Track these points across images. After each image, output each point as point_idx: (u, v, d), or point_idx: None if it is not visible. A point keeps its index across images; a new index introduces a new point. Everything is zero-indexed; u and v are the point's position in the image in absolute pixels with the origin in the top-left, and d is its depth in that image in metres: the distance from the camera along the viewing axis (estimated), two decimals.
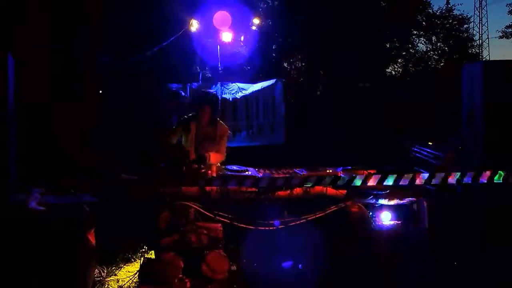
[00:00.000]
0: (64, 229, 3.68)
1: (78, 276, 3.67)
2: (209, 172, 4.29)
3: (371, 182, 4.02)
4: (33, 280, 3.56)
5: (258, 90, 9.70)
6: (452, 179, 3.98)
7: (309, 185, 4.11)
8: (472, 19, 21.69)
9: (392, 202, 4.36)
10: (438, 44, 18.45)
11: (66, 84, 8.26)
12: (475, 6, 28.37)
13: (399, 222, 4.38)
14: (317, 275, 4.15)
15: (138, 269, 4.08)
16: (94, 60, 8.61)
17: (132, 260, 4.74)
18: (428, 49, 18.43)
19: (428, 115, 11.13)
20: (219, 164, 4.68)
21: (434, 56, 18.48)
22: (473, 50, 20.00)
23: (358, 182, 4.02)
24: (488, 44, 29.00)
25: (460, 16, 18.58)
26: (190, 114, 4.90)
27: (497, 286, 3.98)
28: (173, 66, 9.95)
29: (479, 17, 27.44)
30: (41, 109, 7.67)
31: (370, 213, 4.35)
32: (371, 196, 4.36)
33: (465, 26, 19.00)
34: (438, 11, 18.30)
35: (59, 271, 3.60)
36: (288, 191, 4.22)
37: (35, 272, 3.56)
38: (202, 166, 4.32)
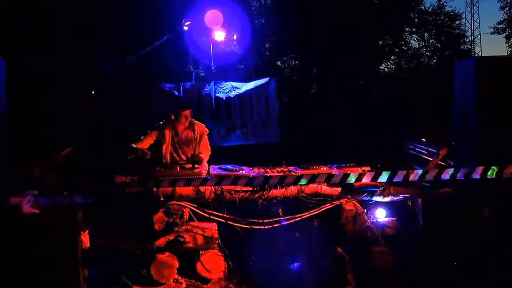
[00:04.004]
0: (58, 230, 3.66)
1: (72, 277, 3.66)
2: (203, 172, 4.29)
3: (365, 179, 4.03)
4: (27, 280, 3.55)
5: (252, 89, 9.67)
6: (445, 175, 4.00)
7: (304, 183, 4.12)
8: (463, 16, 21.81)
9: (387, 199, 4.38)
10: (431, 41, 18.53)
11: (58, 84, 8.23)
12: (466, 2, 28.50)
13: (394, 218, 4.40)
14: (312, 273, 4.16)
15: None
16: (87, 61, 8.58)
17: None
18: (421, 45, 18.50)
19: (421, 112, 11.17)
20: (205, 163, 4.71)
21: (426, 52, 18.56)
22: (465, 46, 20.12)
23: (352, 179, 4.03)
24: (480, 40, 29.15)
25: (452, 13, 18.67)
26: (164, 121, 4.77)
27: (495, 284, 4.00)
28: (166, 65, 9.90)
29: (471, 13, 27.56)
30: (34, 109, 7.64)
31: (365, 210, 4.36)
32: (366, 193, 4.37)
33: (457, 22, 19.10)
34: (430, 8, 18.37)
35: (53, 272, 3.59)
36: (283, 190, 4.22)
37: (29, 273, 3.55)
38: (196, 166, 4.31)
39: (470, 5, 27.72)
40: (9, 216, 3.62)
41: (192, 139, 4.76)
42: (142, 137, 4.67)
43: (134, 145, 4.55)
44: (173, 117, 4.71)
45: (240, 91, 9.64)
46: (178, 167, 4.25)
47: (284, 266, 4.33)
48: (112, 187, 4.07)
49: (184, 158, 4.67)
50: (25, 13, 8.36)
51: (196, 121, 4.86)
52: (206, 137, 4.86)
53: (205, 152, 4.79)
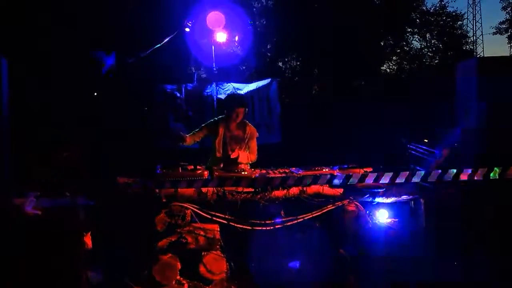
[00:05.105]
0: (60, 232, 3.67)
1: (75, 279, 3.66)
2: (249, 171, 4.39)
3: (368, 181, 4.03)
4: (30, 282, 3.55)
5: (253, 90, 9.67)
6: (448, 176, 4.00)
7: (306, 185, 4.11)
8: (465, 16, 21.76)
9: (389, 200, 4.37)
10: (432, 42, 18.53)
11: (60, 86, 8.25)
12: (468, 2, 28.48)
13: (396, 220, 4.39)
14: (314, 274, 4.15)
15: None
16: (88, 61, 8.59)
17: None
18: (423, 46, 18.50)
19: (423, 112, 11.15)
20: (248, 165, 4.85)
21: (428, 53, 18.55)
22: (467, 46, 20.08)
23: (354, 180, 4.03)
24: (482, 40, 29.10)
25: (453, 13, 18.67)
26: (220, 117, 5.01)
27: (497, 284, 3.99)
28: (168, 67, 9.93)
29: (473, 13, 27.50)
30: (36, 110, 7.65)
31: (367, 212, 4.36)
32: (368, 195, 4.36)
33: (459, 23, 19.09)
34: (432, 8, 18.37)
35: (56, 274, 3.59)
36: (285, 191, 4.21)
37: (31, 275, 3.55)
38: (198, 167, 4.31)
39: (472, 5, 27.68)
40: (11, 217, 3.62)
41: (242, 138, 4.92)
42: (194, 131, 4.97)
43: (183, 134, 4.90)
44: (226, 112, 4.93)
45: (242, 92, 9.63)
46: (180, 168, 4.25)
47: (286, 267, 4.32)
48: (114, 188, 4.07)
49: (229, 152, 4.85)
50: (26, 14, 8.39)
51: (249, 123, 5.05)
52: (255, 140, 5.02)
53: (249, 154, 4.93)
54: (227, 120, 4.93)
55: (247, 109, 5.00)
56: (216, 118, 5.05)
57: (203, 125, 5.04)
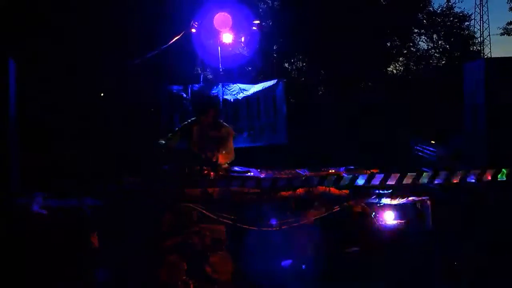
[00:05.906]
0: (68, 231, 3.68)
1: (82, 278, 3.68)
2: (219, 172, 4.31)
3: (374, 182, 4.01)
4: (36, 281, 3.57)
5: (259, 91, 9.65)
6: (455, 178, 3.97)
7: (312, 186, 4.10)
8: (473, 17, 21.61)
9: (396, 202, 4.35)
10: (439, 42, 18.40)
11: (67, 86, 8.29)
12: (475, 3, 28.23)
13: (403, 221, 4.36)
14: (320, 275, 4.14)
15: None
16: (96, 63, 8.63)
17: None
18: (429, 47, 18.38)
19: (430, 113, 11.11)
20: (227, 164, 4.76)
21: (435, 54, 18.43)
22: (475, 47, 19.93)
23: (361, 181, 4.01)
24: (490, 41, 28.84)
25: (460, 14, 18.53)
26: (192, 119, 4.95)
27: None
28: (174, 67, 9.94)
29: (480, 14, 27.29)
30: (42, 111, 7.69)
31: (373, 213, 4.34)
32: (374, 196, 4.34)
33: (466, 23, 18.94)
34: (439, 9, 18.26)
35: (62, 273, 3.61)
36: (291, 192, 4.21)
37: (38, 274, 3.57)
38: (204, 167, 4.32)
39: (479, 6, 27.48)
40: (19, 217, 3.64)
41: (218, 139, 4.86)
42: (169, 135, 4.93)
43: (162, 141, 4.85)
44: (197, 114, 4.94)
45: (248, 93, 9.63)
46: (186, 168, 4.26)
47: (292, 267, 4.31)
48: (120, 189, 4.08)
49: (209, 155, 4.76)
50: (33, 17, 8.45)
51: (224, 123, 5.02)
52: (231, 140, 4.96)
53: (226, 154, 4.86)
54: (200, 122, 4.89)
55: (217, 109, 4.99)
56: (189, 120, 5.00)
57: (176, 128, 5.02)
